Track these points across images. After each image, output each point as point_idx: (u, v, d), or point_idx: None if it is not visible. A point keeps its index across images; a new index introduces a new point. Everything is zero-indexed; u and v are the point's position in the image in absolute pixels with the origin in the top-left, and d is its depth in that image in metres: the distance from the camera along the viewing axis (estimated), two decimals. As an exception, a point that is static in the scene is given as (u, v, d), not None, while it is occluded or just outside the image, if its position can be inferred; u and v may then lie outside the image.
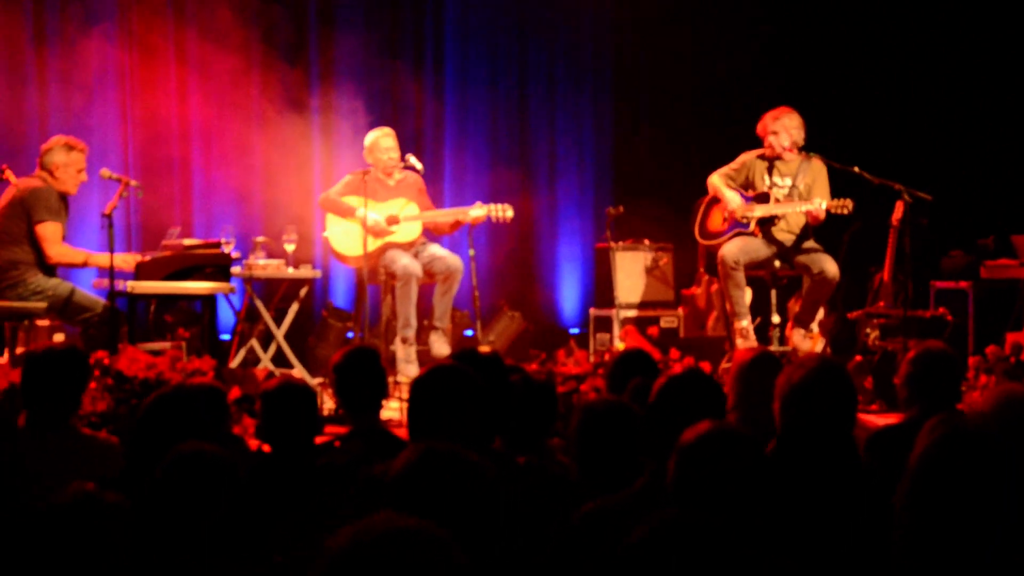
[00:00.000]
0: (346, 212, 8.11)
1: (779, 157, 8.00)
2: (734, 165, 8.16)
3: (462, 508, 2.45)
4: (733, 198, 8.00)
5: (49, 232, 7.12)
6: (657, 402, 3.38)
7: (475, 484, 2.50)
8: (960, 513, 2.51)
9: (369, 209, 7.99)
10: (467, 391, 3.87)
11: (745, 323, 7.85)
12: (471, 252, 8.19)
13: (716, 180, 8.14)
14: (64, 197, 7.25)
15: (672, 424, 3.20)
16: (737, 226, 7.99)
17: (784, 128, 7.95)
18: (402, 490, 2.49)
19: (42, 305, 7.06)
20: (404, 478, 2.50)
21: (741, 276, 7.85)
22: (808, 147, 8.01)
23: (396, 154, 8.22)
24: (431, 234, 8.39)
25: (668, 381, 3.43)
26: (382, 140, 8.27)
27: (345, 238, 8.17)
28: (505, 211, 8.19)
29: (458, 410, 3.80)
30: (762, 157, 8.08)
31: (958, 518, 2.50)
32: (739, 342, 7.78)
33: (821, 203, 7.69)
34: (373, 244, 7.99)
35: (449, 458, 2.53)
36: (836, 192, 7.91)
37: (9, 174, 7.13)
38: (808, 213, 7.72)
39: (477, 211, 8.12)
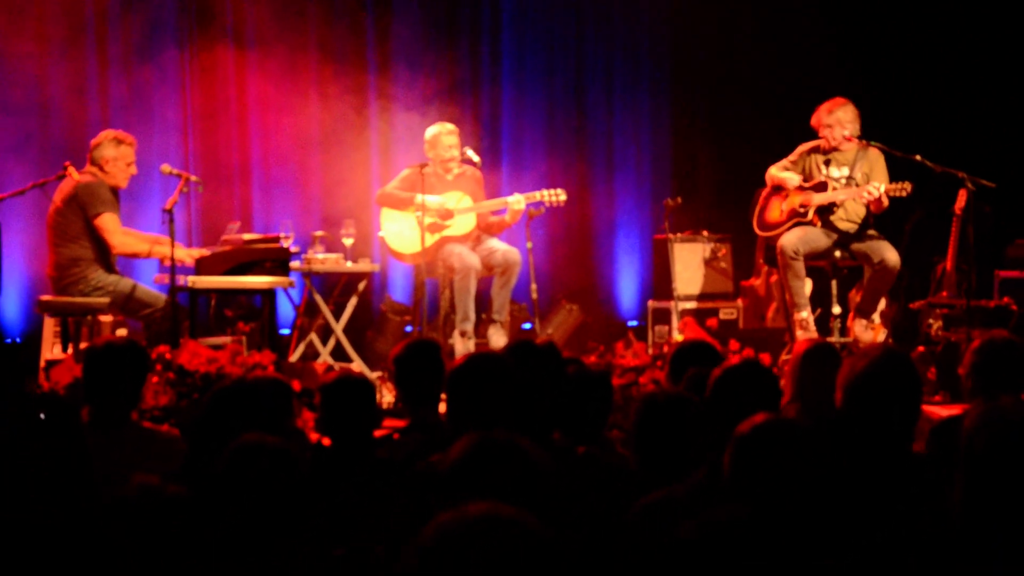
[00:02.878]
0: (403, 204, 8.10)
1: (835, 148, 7.93)
2: (792, 158, 8.10)
3: (517, 497, 2.45)
4: (792, 177, 7.95)
5: (108, 223, 7.16)
6: (713, 393, 3.38)
7: (530, 473, 2.49)
8: (1013, 500, 2.47)
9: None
10: (501, 378, 3.88)
11: (805, 314, 7.78)
12: (528, 244, 8.17)
13: (774, 171, 8.09)
14: (115, 191, 7.31)
15: (728, 415, 3.18)
16: (796, 215, 7.93)
17: (838, 121, 7.87)
18: (457, 480, 2.49)
19: (104, 301, 7.13)
20: (459, 468, 2.50)
21: (801, 266, 7.78)
22: (868, 135, 7.92)
23: (457, 152, 8.19)
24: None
25: (724, 372, 3.42)
26: (444, 137, 8.22)
27: (401, 236, 8.17)
28: (558, 195, 8.15)
29: (493, 397, 3.82)
30: (818, 149, 8.01)
31: (1011, 506, 2.47)
32: (799, 333, 7.72)
33: (880, 186, 7.61)
34: (430, 240, 7.98)
35: (503, 448, 2.51)
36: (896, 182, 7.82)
37: (72, 171, 7.18)
38: (870, 200, 7.64)
39: (516, 203, 8.06)
